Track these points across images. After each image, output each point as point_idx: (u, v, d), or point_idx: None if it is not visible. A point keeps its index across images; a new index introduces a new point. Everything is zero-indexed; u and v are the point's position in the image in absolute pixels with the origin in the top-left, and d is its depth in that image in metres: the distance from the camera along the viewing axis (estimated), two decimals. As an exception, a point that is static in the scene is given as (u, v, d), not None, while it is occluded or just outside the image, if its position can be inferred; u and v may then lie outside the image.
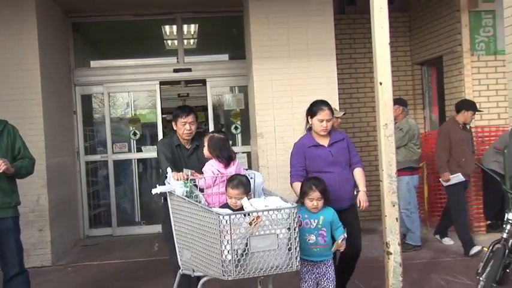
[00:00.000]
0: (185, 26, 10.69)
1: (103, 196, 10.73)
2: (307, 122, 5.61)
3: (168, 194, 4.90)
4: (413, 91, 10.97)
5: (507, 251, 5.61)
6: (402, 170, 7.70)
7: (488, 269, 5.53)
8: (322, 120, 5.40)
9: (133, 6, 9.90)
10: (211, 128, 10.27)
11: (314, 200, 4.97)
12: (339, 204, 5.25)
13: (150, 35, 11.05)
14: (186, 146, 5.74)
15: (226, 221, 4.03)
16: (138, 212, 10.71)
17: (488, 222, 8.69)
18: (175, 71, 10.36)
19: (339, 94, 8.90)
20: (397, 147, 7.71)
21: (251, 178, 4.88)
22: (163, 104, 10.75)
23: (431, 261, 7.63)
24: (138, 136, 10.55)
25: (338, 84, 8.89)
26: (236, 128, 10.57)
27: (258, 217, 4.11)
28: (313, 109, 5.49)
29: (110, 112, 10.51)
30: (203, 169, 4.99)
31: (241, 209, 4.45)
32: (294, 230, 4.22)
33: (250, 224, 4.07)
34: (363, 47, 10.39)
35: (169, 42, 11.16)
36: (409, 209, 8.12)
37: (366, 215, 9.65)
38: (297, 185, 5.29)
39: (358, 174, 5.60)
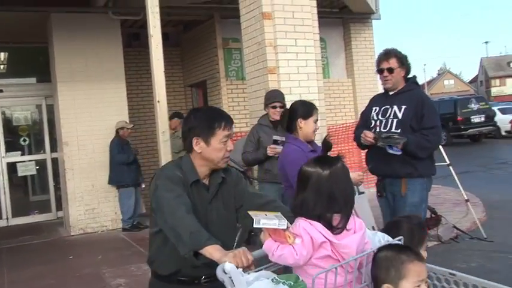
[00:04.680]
0: (-4, 54, 10.37)
1: None
2: (295, 125, 3.91)
3: None
4: (186, 107, 11.72)
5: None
6: (182, 168, 8.45)
7: (239, 232, 6.50)
8: (317, 121, 3.98)
9: None
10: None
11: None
12: None
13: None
14: (205, 182, 2.65)
15: None
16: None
17: None
18: (-12, 91, 10.03)
19: (128, 109, 9.44)
20: (179, 151, 8.57)
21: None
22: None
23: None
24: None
25: (128, 101, 9.45)
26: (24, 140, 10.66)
27: None
28: (306, 109, 3.93)
29: None
30: (293, 230, 2.13)
31: None
32: None
33: None
34: (146, 72, 10.75)
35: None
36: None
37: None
38: None
39: None
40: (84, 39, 8.96)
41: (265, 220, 2.11)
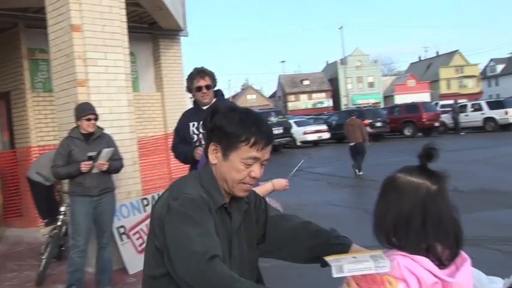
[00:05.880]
0: None
1: None
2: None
3: None
4: (-13, 119, 10.76)
5: (62, 234, 6.32)
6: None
7: (48, 249, 6.00)
8: None
9: None
10: None
11: None
12: None
13: None
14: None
15: None
16: None
17: (45, 220, 7.82)
18: None
19: None
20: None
21: None
22: None
23: (6, 252, 7.69)
24: None
25: None
26: None
27: None
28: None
29: None
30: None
31: None
32: None
33: None
34: None
35: None
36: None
37: None
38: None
39: None
40: None
41: (352, 265, 1.48)
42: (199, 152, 4.56)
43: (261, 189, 3.41)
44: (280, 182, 3.58)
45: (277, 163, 20.01)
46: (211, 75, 4.74)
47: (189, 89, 4.80)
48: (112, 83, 6.11)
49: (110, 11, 6.16)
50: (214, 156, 1.84)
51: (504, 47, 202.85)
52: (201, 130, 4.71)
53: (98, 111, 5.50)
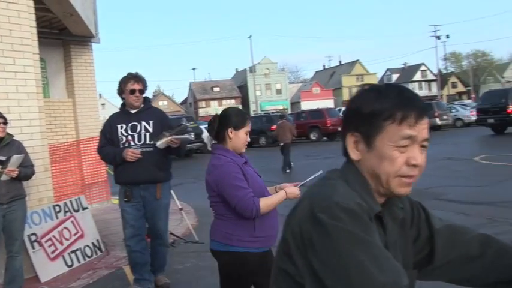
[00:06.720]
0: None
1: None
2: (225, 135, 3.25)
3: None
4: None
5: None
6: None
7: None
8: (247, 133, 3.31)
9: None
10: None
11: None
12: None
13: None
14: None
15: None
16: None
17: None
18: None
19: None
20: None
21: None
22: None
23: None
24: None
25: None
26: None
27: None
28: (239, 119, 3.25)
29: None
30: None
31: None
32: None
33: None
34: None
35: None
36: None
37: None
38: (268, 199, 3.13)
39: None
40: None
41: None
42: (130, 153, 4.76)
43: (274, 199, 3.16)
44: (293, 191, 3.23)
45: (188, 167, 20.06)
46: (144, 82, 4.97)
47: (121, 91, 4.95)
48: (21, 88, 5.89)
49: (18, 16, 5.94)
50: (355, 151, 1.34)
51: (399, 58, 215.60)
52: (130, 132, 4.86)
53: (7, 117, 5.29)
